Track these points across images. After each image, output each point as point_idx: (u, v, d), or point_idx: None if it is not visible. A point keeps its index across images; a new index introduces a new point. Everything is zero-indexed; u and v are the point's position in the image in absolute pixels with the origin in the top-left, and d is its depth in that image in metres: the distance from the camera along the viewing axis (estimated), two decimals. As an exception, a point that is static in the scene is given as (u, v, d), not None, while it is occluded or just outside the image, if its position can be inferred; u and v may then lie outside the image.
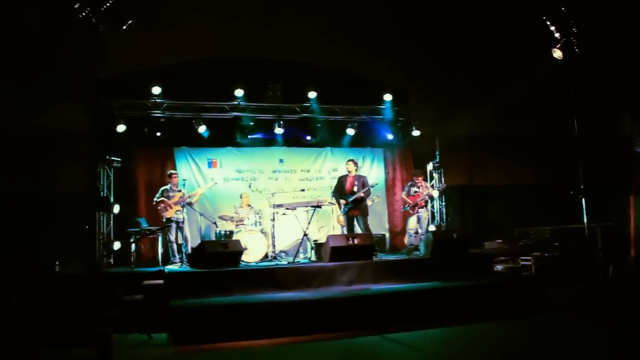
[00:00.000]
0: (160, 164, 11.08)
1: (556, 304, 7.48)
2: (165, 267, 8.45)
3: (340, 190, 9.58)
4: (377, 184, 10.21)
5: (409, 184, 10.56)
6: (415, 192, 10.24)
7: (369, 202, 10.34)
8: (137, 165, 10.98)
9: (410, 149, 12.47)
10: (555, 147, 11.16)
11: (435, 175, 11.87)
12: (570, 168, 8.52)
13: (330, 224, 11.06)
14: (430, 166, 11.94)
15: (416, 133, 11.49)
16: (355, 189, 9.46)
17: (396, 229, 12.16)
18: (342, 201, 9.50)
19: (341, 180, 9.70)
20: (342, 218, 9.84)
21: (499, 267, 9.78)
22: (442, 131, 11.73)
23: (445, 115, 11.41)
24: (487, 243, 10.96)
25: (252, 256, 9.36)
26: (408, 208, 10.23)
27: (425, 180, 10.79)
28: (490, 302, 7.11)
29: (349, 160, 9.85)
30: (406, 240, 10.68)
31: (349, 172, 9.64)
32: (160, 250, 9.47)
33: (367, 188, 9.47)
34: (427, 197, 10.25)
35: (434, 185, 11.02)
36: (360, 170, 12.29)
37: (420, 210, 10.16)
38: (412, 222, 10.28)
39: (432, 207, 11.77)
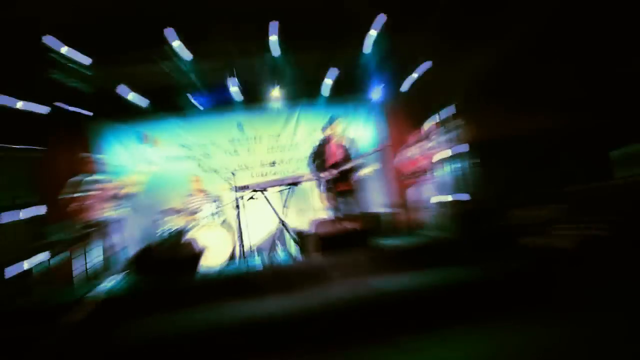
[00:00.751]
0: (74, 147, 11.02)
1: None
2: (98, 284, 8.52)
3: (320, 161, 9.69)
4: (372, 150, 10.26)
5: (406, 145, 10.68)
6: (414, 155, 10.37)
7: (361, 173, 10.43)
8: (42, 151, 10.94)
9: (414, 97, 12.43)
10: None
11: (448, 131, 11.89)
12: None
13: (311, 207, 11.15)
14: (442, 117, 12.00)
15: (420, 74, 11.63)
16: (341, 156, 9.56)
17: (398, 205, 12.11)
18: (324, 174, 9.61)
19: (321, 147, 9.78)
20: (325, 196, 9.89)
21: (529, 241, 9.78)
22: (458, 70, 11.72)
23: (461, 47, 11.36)
24: (518, 211, 10.99)
25: (214, 258, 9.48)
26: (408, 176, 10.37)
27: (428, 137, 10.87)
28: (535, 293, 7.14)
29: (330, 119, 9.91)
30: (410, 217, 10.85)
31: (331, 135, 9.66)
32: (84, 264, 9.47)
33: (358, 155, 9.54)
34: (432, 160, 10.33)
35: (441, 143, 11.05)
36: (347, 132, 12.31)
37: (424, 177, 10.28)
38: (416, 194, 10.40)
39: (446, 170, 11.79)
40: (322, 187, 9.64)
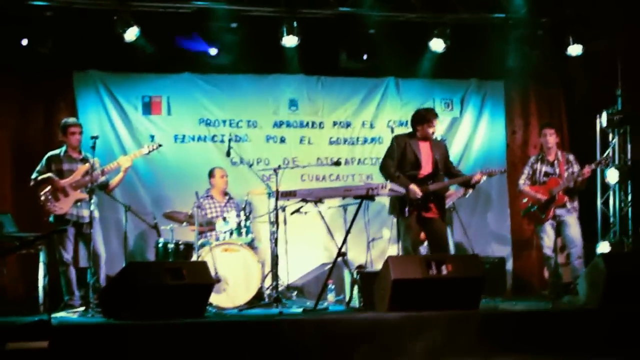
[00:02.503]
0: (45, 107, 11.10)
1: None
2: (54, 313, 8.29)
3: (410, 167, 9.42)
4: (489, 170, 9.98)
5: (534, 157, 10.53)
6: (548, 173, 10.21)
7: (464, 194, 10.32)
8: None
9: (561, 84, 12.51)
10: None
11: (614, 140, 11.75)
12: None
13: (388, 233, 11.05)
14: (602, 120, 11.79)
15: (575, 50, 11.38)
16: (438, 164, 9.29)
17: (528, 246, 12.21)
18: (416, 190, 9.28)
19: (405, 144, 9.50)
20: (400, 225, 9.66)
21: None
22: (632, 47, 11.45)
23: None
24: None
25: (232, 296, 9.39)
26: (535, 208, 10.13)
27: (563, 150, 10.57)
28: None
29: (426, 111, 9.59)
30: (547, 271, 10.67)
31: (427, 132, 9.42)
32: (42, 280, 9.44)
33: (477, 173, 9.31)
34: (573, 183, 10.11)
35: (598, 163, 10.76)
36: (457, 126, 12.15)
37: (560, 211, 10.10)
38: (549, 234, 10.23)
39: (600, 201, 11.67)
40: (404, 209, 9.36)
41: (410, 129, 9.57)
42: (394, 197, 9.21)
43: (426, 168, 9.32)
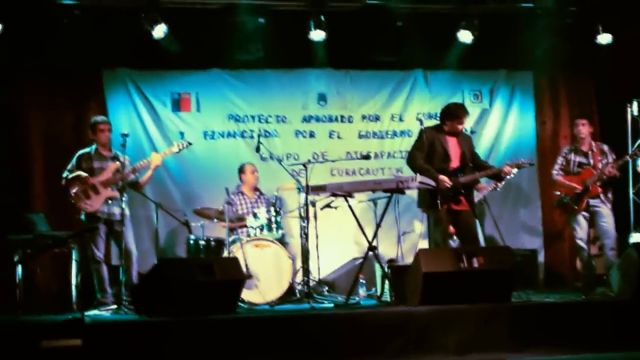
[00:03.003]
0: (75, 106, 11.15)
1: None
2: (87, 311, 8.29)
3: (438, 160, 9.42)
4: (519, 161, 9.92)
5: (568, 147, 10.45)
6: (582, 164, 10.14)
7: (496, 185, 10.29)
8: (26, 107, 11.03)
9: (591, 73, 12.49)
10: None
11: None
12: None
13: (419, 226, 10.99)
14: (633, 108, 11.74)
15: (605, 39, 11.34)
16: (466, 158, 9.32)
17: (560, 238, 12.19)
18: (445, 180, 9.25)
19: (434, 137, 9.48)
20: (430, 217, 9.66)
21: None
22: None
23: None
24: None
25: (264, 291, 9.40)
26: (568, 199, 10.07)
27: (596, 141, 10.49)
28: None
29: (454, 107, 9.59)
30: (580, 263, 10.57)
31: (459, 123, 9.39)
32: (74, 278, 9.54)
33: (508, 164, 9.30)
34: (608, 174, 10.01)
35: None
36: (487, 118, 12.16)
37: (594, 201, 10.03)
38: (582, 226, 10.17)
39: (633, 192, 11.61)
40: (434, 201, 9.33)
41: (438, 122, 9.54)
42: (424, 190, 9.19)
43: (455, 161, 9.33)
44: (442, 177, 9.09)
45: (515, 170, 9.37)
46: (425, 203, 9.28)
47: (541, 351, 7.49)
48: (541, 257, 11.95)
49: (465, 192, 9.28)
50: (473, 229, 9.41)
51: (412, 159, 9.37)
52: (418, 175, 8.83)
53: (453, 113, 9.42)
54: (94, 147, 9.59)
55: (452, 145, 9.39)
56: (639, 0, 10.94)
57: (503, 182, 10.61)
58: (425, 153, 9.30)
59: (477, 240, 9.48)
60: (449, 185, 9.10)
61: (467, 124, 11.50)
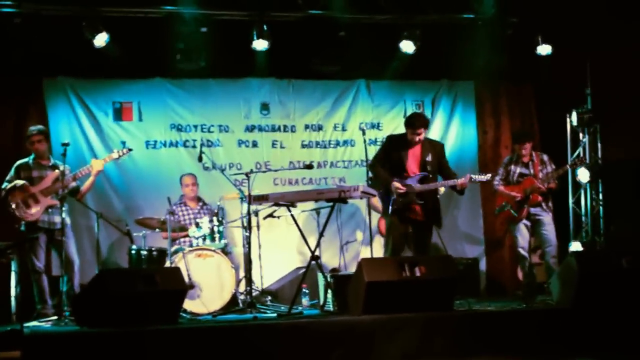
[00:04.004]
0: (14, 115, 11.01)
1: None
2: (26, 323, 8.29)
3: (394, 167, 9.52)
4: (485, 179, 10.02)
5: (508, 158, 10.58)
6: (523, 174, 10.27)
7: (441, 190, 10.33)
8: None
9: (531, 83, 12.60)
10: None
11: (584, 139, 11.90)
12: None
13: (361, 236, 11.07)
14: (573, 119, 11.94)
15: (544, 50, 11.47)
16: (427, 167, 9.39)
17: (501, 247, 12.29)
18: (396, 185, 9.32)
19: (393, 145, 9.62)
20: (385, 222, 9.78)
21: None
22: (601, 46, 11.56)
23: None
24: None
25: (206, 301, 9.36)
26: (509, 207, 10.16)
27: (536, 150, 10.60)
28: None
29: (415, 116, 9.75)
30: (521, 271, 10.69)
31: (414, 134, 9.45)
32: (13, 289, 9.45)
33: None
34: (547, 184, 10.19)
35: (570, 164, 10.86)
36: (430, 127, 12.35)
37: (536, 210, 10.18)
38: (523, 234, 10.29)
39: (572, 201, 11.81)
40: (387, 209, 9.42)
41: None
42: (384, 194, 9.33)
43: (412, 169, 9.44)
44: (395, 184, 9.22)
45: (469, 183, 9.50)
46: (383, 207, 9.47)
47: (484, 359, 7.55)
48: (482, 266, 12.04)
49: (421, 202, 9.36)
50: (423, 240, 9.50)
51: (371, 165, 9.62)
52: (360, 185, 8.89)
53: (409, 122, 9.57)
54: (32, 156, 9.52)
55: (412, 154, 9.49)
56: (578, 13, 11.11)
57: (443, 190, 10.63)
58: (384, 159, 9.51)
59: (425, 252, 9.49)
60: (401, 192, 9.18)
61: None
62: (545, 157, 10.39)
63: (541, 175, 10.10)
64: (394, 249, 9.39)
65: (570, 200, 11.83)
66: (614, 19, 11.08)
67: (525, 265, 10.27)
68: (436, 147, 9.71)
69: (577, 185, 11.81)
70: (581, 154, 11.60)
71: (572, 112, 11.87)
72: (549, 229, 10.14)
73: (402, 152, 9.46)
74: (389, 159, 9.51)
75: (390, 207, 9.33)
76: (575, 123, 11.89)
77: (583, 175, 11.46)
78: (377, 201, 10.23)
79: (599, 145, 11.81)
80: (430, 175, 9.42)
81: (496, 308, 8.91)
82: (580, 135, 11.96)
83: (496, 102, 12.72)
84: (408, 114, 12.01)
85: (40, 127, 9.87)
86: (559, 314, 8.35)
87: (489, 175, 9.74)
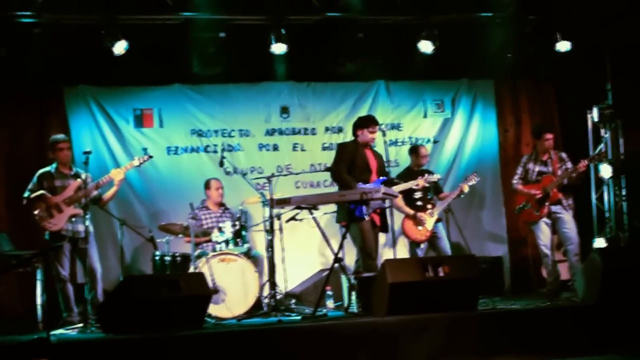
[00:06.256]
0: (36, 124, 11.08)
1: None
2: (53, 331, 8.27)
3: (360, 173, 9.56)
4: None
5: (527, 156, 10.57)
6: (542, 172, 10.24)
7: (465, 189, 10.42)
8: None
9: (551, 80, 12.59)
10: None
11: (606, 134, 11.82)
12: None
13: (384, 237, 10.95)
14: (594, 115, 11.90)
15: (564, 46, 11.39)
16: (381, 172, 9.53)
17: (524, 245, 12.27)
18: (419, 181, 9.52)
19: (353, 148, 9.70)
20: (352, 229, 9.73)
21: None
22: (620, 41, 11.56)
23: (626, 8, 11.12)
24: None
25: (231, 306, 9.37)
26: (529, 206, 10.17)
27: (554, 149, 10.49)
28: None
29: (369, 116, 9.96)
30: (544, 269, 10.66)
31: (374, 132, 9.61)
32: (39, 297, 9.48)
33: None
34: (568, 179, 10.14)
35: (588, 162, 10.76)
36: (449, 127, 12.33)
37: (556, 208, 10.13)
38: (545, 232, 10.26)
39: (595, 197, 11.79)
40: (356, 212, 9.42)
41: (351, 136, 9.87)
42: (347, 202, 9.27)
43: (374, 174, 9.57)
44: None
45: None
46: (347, 217, 9.31)
47: (509, 358, 7.53)
48: (506, 264, 12.00)
49: (388, 207, 9.55)
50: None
51: (337, 172, 9.55)
52: (382, 186, 8.89)
53: (369, 120, 9.75)
54: (54, 165, 9.51)
55: (370, 158, 9.63)
56: (596, 8, 11.06)
57: (466, 190, 10.62)
58: (349, 166, 9.49)
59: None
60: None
61: (431, 133, 11.68)
62: (564, 155, 10.35)
63: (560, 173, 10.06)
64: (376, 250, 9.60)
65: (593, 197, 11.78)
66: (633, 13, 11.01)
67: (549, 263, 10.23)
68: (378, 154, 9.84)
69: (599, 181, 11.76)
70: (603, 150, 11.50)
71: (593, 108, 11.81)
72: (570, 227, 10.09)
73: (364, 156, 9.58)
74: (353, 164, 9.56)
75: (363, 214, 9.34)
76: (596, 119, 11.84)
77: (606, 170, 11.40)
78: (401, 202, 10.26)
79: (621, 140, 11.74)
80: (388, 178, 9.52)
81: (521, 306, 8.87)
82: (602, 131, 11.88)
83: (516, 100, 12.70)
84: (428, 114, 12.10)
85: (62, 135, 9.92)
86: (584, 311, 8.31)
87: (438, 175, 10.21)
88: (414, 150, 10.80)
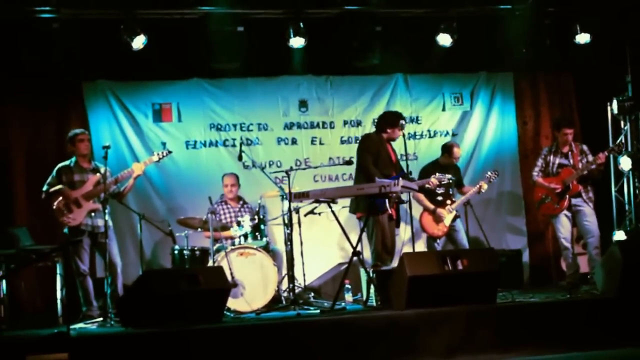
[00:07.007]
0: (56, 119, 11.11)
1: None
2: (73, 325, 8.32)
3: (378, 164, 9.63)
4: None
5: (547, 149, 10.56)
6: (562, 165, 10.24)
7: (484, 187, 10.45)
8: (6, 122, 10.98)
9: (570, 72, 12.54)
10: None
11: (626, 126, 11.73)
12: None
13: (405, 230, 10.82)
14: (613, 107, 11.79)
15: (583, 38, 11.34)
16: (399, 167, 9.57)
17: (544, 238, 12.23)
18: (432, 181, 9.53)
19: (378, 141, 9.78)
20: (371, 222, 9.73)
21: None
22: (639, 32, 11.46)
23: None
24: None
25: (250, 299, 9.35)
26: (549, 200, 10.15)
27: (575, 142, 10.53)
28: None
29: (397, 114, 9.96)
30: (564, 262, 10.64)
31: (402, 129, 9.60)
32: (59, 291, 9.50)
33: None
34: (588, 172, 10.14)
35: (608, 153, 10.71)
36: (468, 120, 12.32)
37: (576, 200, 10.14)
38: (565, 225, 10.26)
39: (615, 189, 11.69)
40: (383, 205, 9.52)
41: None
42: (365, 195, 9.29)
43: (395, 168, 9.65)
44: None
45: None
46: (366, 208, 9.37)
47: (528, 351, 7.54)
48: (526, 257, 11.94)
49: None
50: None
51: (363, 164, 9.63)
52: (400, 179, 8.88)
53: (399, 117, 9.77)
54: (73, 159, 9.55)
55: (392, 153, 9.76)
56: (615, 0, 11.02)
57: (485, 187, 10.59)
58: (374, 157, 9.56)
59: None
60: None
61: (449, 126, 11.70)
62: (584, 147, 10.33)
63: (580, 166, 10.02)
64: (393, 245, 9.75)
65: (613, 189, 11.68)
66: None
67: (569, 256, 10.22)
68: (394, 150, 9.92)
69: (619, 173, 11.67)
70: (622, 142, 11.43)
71: (613, 101, 11.72)
72: (591, 220, 10.08)
73: (387, 150, 9.67)
74: (378, 157, 9.62)
75: (386, 205, 9.47)
76: (616, 111, 11.73)
77: (625, 163, 11.31)
78: (422, 195, 10.26)
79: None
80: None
81: (540, 299, 8.86)
82: (622, 123, 11.79)
83: (535, 92, 12.63)
84: (447, 107, 12.08)
85: (82, 128, 9.97)
86: (604, 304, 8.29)
87: (448, 176, 10.01)
88: (448, 148, 10.70)
